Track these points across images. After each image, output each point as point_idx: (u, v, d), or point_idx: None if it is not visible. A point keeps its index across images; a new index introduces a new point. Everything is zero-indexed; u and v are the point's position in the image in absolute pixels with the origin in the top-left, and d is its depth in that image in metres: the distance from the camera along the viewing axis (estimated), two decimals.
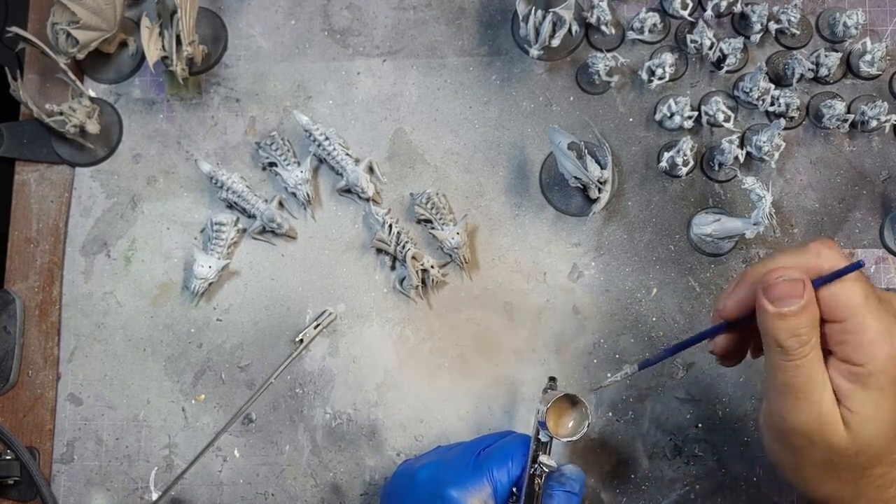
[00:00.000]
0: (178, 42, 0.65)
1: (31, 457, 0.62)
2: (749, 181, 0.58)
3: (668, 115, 0.66)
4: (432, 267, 0.64)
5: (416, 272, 0.64)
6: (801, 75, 0.66)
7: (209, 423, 0.65)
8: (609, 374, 0.54)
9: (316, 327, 0.64)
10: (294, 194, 0.66)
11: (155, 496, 0.64)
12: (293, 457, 0.64)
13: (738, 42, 0.66)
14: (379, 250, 0.66)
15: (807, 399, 0.44)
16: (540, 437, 0.54)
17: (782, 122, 0.63)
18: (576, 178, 0.62)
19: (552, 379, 0.59)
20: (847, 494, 0.45)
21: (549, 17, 0.64)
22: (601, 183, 0.63)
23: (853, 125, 0.66)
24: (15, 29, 0.62)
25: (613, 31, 0.68)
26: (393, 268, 0.66)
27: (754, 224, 0.59)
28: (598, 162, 0.64)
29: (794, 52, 0.67)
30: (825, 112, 0.65)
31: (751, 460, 0.63)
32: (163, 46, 0.65)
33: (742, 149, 0.65)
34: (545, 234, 0.66)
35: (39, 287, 0.67)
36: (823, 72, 0.66)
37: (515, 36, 0.69)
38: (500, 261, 0.66)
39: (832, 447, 0.44)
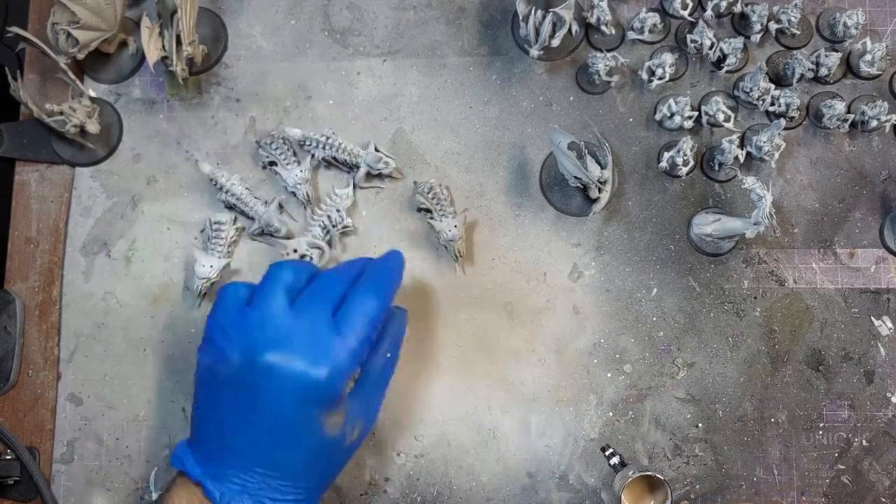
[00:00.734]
0: (178, 42, 0.65)
1: (31, 457, 0.62)
2: (749, 181, 0.58)
3: (668, 115, 0.66)
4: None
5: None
6: (801, 75, 0.66)
7: None
8: None
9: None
10: (294, 193, 0.66)
11: (155, 496, 0.64)
12: None
13: (738, 42, 0.66)
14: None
15: None
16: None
17: (782, 122, 0.63)
18: (576, 178, 0.62)
19: (605, 448, 0.60)
20: None
21: (549, 18, 0.64)
22: (601, 183, 0.63)
23: (853, 125, 0.66)
24: (15, 29, 0.62)
25: (613, 31, 0.68)
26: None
27: (754, 224, 0.59)
28: (598, 162, 0.64)
29: (794, 52, 0.67)
30: (825, 112, 0.65)
31: (751, 460, 0.63)
32: (163, 46, 0.65)
33: (742, 149, 0.65)
34: (545, 234, 0.66)
35: (39, 287, 0.67)
36: (823, 72, 0.66)
37: (515, 36, 0.69)
38: (500, 261, 0.66)
39: None
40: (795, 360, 0.64)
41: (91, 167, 0.69)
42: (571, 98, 0.68)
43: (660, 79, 0.66)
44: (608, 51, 0.67)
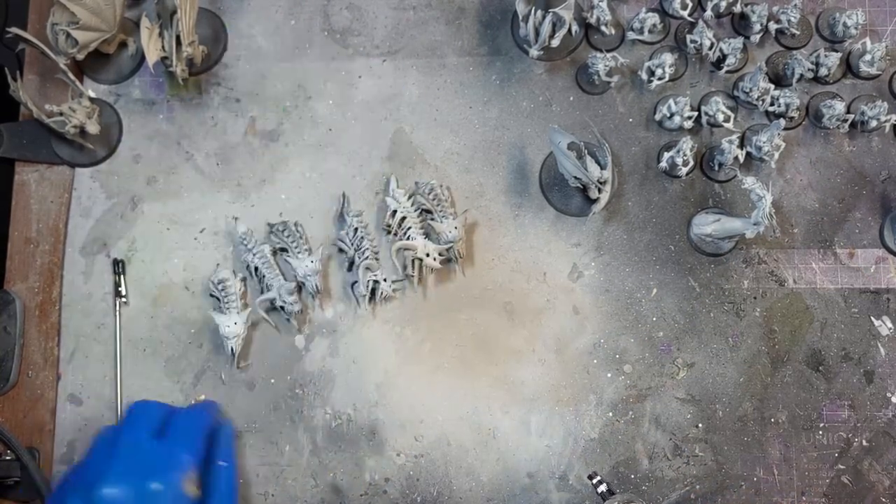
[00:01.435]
0: (178, 42, 0.65)
1: (31, 457, 0.62)
2: (749, 181, 0.59)
3: (668, 115, 0.66)
4: (384, 280, 0.64)
5: (367, 283, 0.64)
6: (801, 75, 0.66)
7: None
8: None
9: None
10: (303, 284, 0.65)
11: None
12: (293, 457, 0.64)
13: (738, 42, 0.66)
14: (340, 250, 0.66)
15: None
16: None
17: (782, 122, 0.63)
18: (576, 178, 0.62)
19: (592, 476, 0.60)
20: None
21: (548, 18, 0.64)
22: (601, 183, 0.63)
23: (853, 125, 0.66)
24: (15, 29, 0.62)
25: (613, 32, 0.69)
26: (349, 270, 0.66)
27: (754, 224, 0.59)
28: (597, 162, 0.64)
29: (794, 52, 0.67)
30: (825, 112, 0.65)
31: (751, 460, 0.63)
32: (163, 47, 0.65)
33: (742, 149, 0.65)
34: (545, 234, 0.66)
35: (39, 287, 0.67)
36: (823, 72, 0.66)
37: (515, 36, 0.69)
38: (500, 261, 0.66)
39: None
40: (795, 360, 0.64)
41: (91, 167, 0.69)
42: (571, 98, 0.68)
43: (659, 79, 0.66)
44: (608, 51, 0.67)
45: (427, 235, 0.65)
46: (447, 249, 0.64)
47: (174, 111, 0.69)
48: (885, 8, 0.69)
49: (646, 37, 0.68)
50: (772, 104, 0.66)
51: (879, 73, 0.67)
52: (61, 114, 0.64)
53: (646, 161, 0.67)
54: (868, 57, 0.66)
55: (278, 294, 0.64)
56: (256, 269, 0.65)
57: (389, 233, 0.66)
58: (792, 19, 0.66)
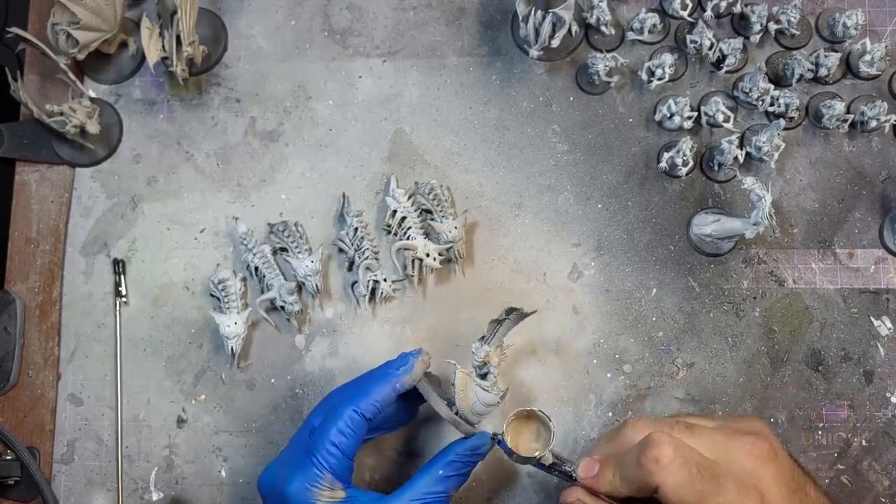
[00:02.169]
0: (179, 42, 0.65)
1: (31, 457, 0.62)
2: (749, 181, 0.59)
3: (668, 115, 0.66)
4: (384, 280, 0.64)
5: (367, 283, 0.64)
6: (801, 75, 0.66)
7: (209, 423, 0.65)
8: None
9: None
10: (303, 284, 0.65)
11: (155, 496, 0.64)
12: None
13: (738, 42, 0.66)
14: (340, 250, 0.66)
15: None
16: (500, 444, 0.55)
17: (782, 122, 0.63)
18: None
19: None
20: None
21: (548, 18, 0.64)
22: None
23: (853, 125, 0.66)
24: (15, 29, 0.63)
25: (613, 32, 0.69)
26: (349, 270, 0.66)
27: (754, 224, 0.59)
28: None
29: (794, 52, 0.67)
30: (825, 112, 0.65)
31: None
32: (163, 47, 0.65)
33: (742, 149, 0.65)
34: (545, 234, 0.66)
35: (40, 287, 0.67)
36: (823, 72, 0.66)
37: (515, 36, 0.69)
38: (500, 261, 0.66)
39: None
40: (795, 360, 0.64)
41: (91, 167, 0.69)
42: (571, 98, 0.68)
43: (659, 79, 0.66)
44: (608, 51, 0.67)
45: (427, 235, 0.65)
46: (447, 249, 0.64)
47: (174, 111, 0.70)
48: (885, 8, 0.69)
49: (646, 37, 0.68)
50: (771, 104, 0.66)
51: (879, 73, 0.67)
52: (62, 114, 0.64)
53: (646, 161, 0.67)
54: (868, 57, 0.66)
55: (278, 294, 0.64)
56: (256, 269, 0.65)
57: (389, 233, 0.66)
58: (792, 19, 0.67)
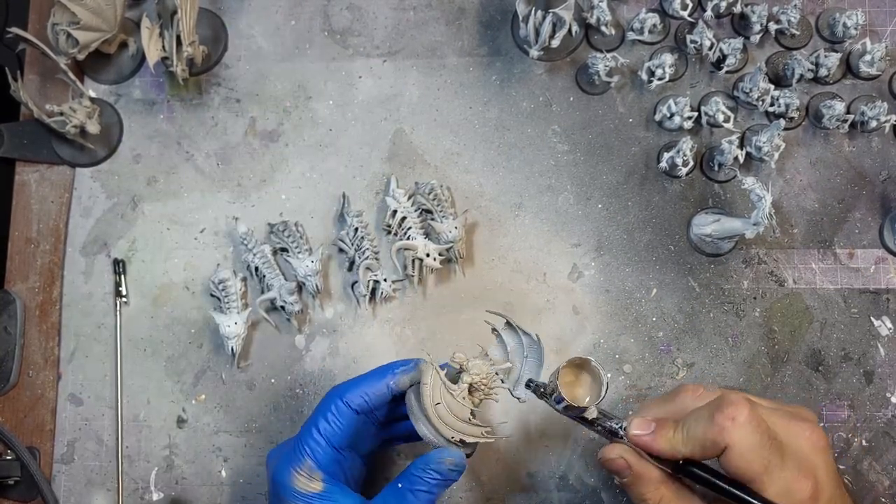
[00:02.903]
0: (179, 42, 0.65)
1: (31, 457, 0.62)
2: (749, 181, 0.59)
3: (668, 115, 0.66)
4: (384, 280, 0.64)
5: (367, 283, 0.64)
6: (801, 76, 0.66)
7: (209, 423, 0.65)
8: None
9: None
10: (303, 284, 0.65)
11: (155, 496, 0.64)
12: None
13: (738, 42, 0.66)
14: (340, 250, 0.66)
15: None
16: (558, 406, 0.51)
17: (782, 122, 0.63)
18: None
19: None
20: None
21: (548, 18, 0.64)
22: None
23: (853, 125, 0.66)
24: (15, 30, 0.63)
25: (613, 32, 0.69)
26: (350, 270, 0.66)
27: (754, 224, 0.59)
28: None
29: (794, 52, 0.67)
30: (825, 112, 0.65)
31: None
32: (163, 47, 0.66)
33: (742, 149, 0.65)
34: (545, 234, 0.66)
35: (40, 287, 0.67)
36: (823, 72, 0.66)
37: (515, 36, 0.69)
38: (500, 261, 0.66)
39: None
40: (795, 361, 0.64)
41: (91, 167, 0.69)
42: (571, 98, 0.68)
43: (659, 79, 0.66)
44: (608, 51, 0.67)
45: (427, 235, 0.65)
46: (447, 249, 0.64)
47: (174, 111, 0.70)
48: (885, 8, 0.69)
49: (646, 37, 0.68)
50: (772, 104, 0.66)
51: (879, 73, 0.67)
52: (62, 114, 0.64)
53: (646, 161, 0.67)
54: (868, 57, 0.66)
55: (278, 294, 0.64)
56: (257, 269, 0.65)
57: (389, 233, 0.66)
58: (792, 20, 0.67)
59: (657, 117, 0.67)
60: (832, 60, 0.65)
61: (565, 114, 0.68)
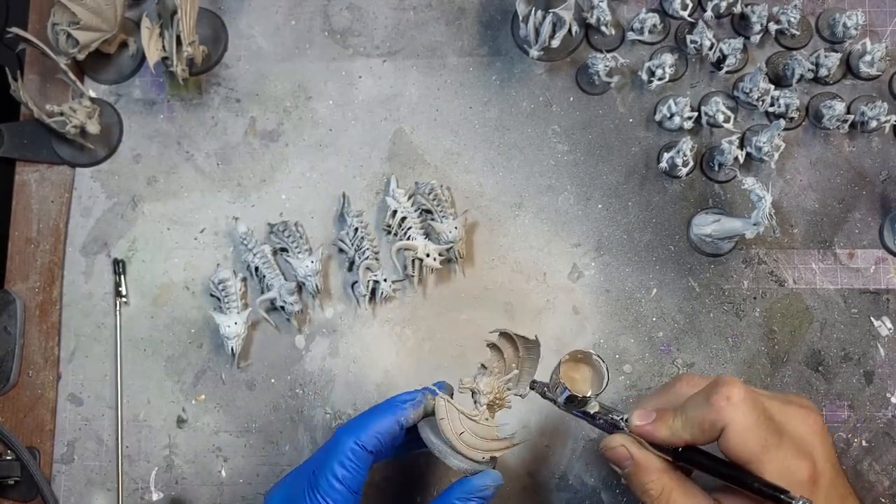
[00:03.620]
0: (179, 42, 0.65)
1: (31, 457, 0.62)
2: (749, 181, 0.59)
3: (668, 115, 0.66)
4: (384, 280, 0.64)
5: (367, 283, 0.64)
6: (801, 76, 0.66)
7: (209, 423, 0.65)
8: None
9: None
10: (303, 284, 0.65)
11: (155, 496, 0.64)
12: (293, 457, 0.64)
13: (738, 42, 0.66)
14: (340, 250, 0.66)
15: None
16: (558, 400, 0.52)
17: (782, 122, 0.63)
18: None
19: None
20: None
21: (549, 18, 0.64)
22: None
23: (853, 126, 0.66)
24: (15, 29, 0.63)
25: (613, 32, 0.69)
26: (350, 270, 0.66)
27: (754, 224, 0.59)
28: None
29: (794, 52, 0.67)
30: (825, 112, 0.65)
31: None
32: (163, 47, 0.66)
33: (742, 149, 0.65)
34: (545, 234, 0.66)
35: (40, 287, 0.67)
36: (823, 72, 0.66)
37: (515, 36, 0.69)
38: (500, 261, 0.66)
39: None
40: (795, 361, 0.64)
41: (91, 167, 0.69)
42: (571, 98, 0.68)
43: (660, 79, 0.66)
44: (608, 51, 0.67)
45: (427, 235, 0.65)
46: (447, 249, 0.64)
47: (174, 111, 0.70)
48: (885, 8, 0.69)
49: (646, 37, 0.68)
50: (772, 104, 0.66)
51: (879, 73, 0.67)
52: (62, 114, 0.64)
53: (646, 161, 0.67)
54: (868, 57, 0.66)
55: (278, 294, 0.64)
56: (257, 269, 0.65)
57: (389, 233, 0.66)
58: (792, 20, 0.67)
59: (657, 117, 0.67)
60: (832, 60, 0.65)
61: (565, 114, 0.68)
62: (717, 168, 0.66)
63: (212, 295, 0.66)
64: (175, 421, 0.65)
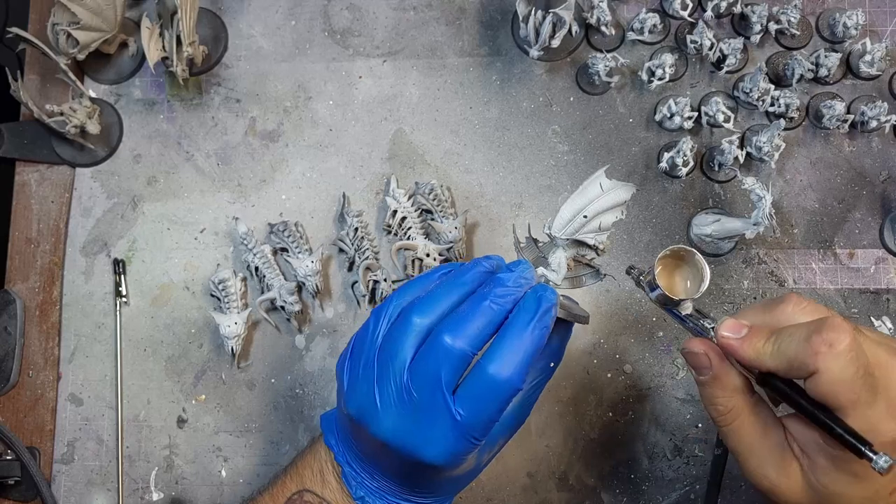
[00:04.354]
0: (179, 43, 0.65)
1: (31, 457, 0.62)
2: (749, 181, 0.59)
3: (668, 115, 0.66)
4: (384, 280, 0.64)
5: (367, 283, 0.64)
6: (801, 76, 0.66)
7: (209, 423, 0.65)
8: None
9: None
10: (303, 284, 0.65)
11: (155, 496, 0.64)
12: (293, 457, 0.64)
13: (738, 42, 0.66)
14: (340, 250, 0.66)
15: (746, 462, 0.45)
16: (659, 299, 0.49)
17: (782, 122, 0.63)
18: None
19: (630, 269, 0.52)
20: None
21: (549, 18, 0.64)
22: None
23: (853, 125, 0.66)
24: (15, 30, 0.63)
25: (613, 32, 0.69)
26: (350, 270, 0.66)
27: (754, 224, 0.59)
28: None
29: (794, 52, 0.67)
30: (825, 112, 0.65)
31: None
32: (163, 47, 0.66)
33: (742, 149, 0.65)
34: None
35: (40, 287, 0.67)
36: (823, 72, 0.66)
37: (515, 36, 0.69)
38: None
39: (790, 502, 0.44)
40: None
41: (91, 167, 0.69)
42: (571, 98, 0.68)
43: (660, 79, 0.66)
44: (608, 51, 0.67)
45: (427, 235, 0.65)
46: (447, 249, 0.64)
47: (174, 111, 0.70)
48: (885, 8, 0.69)
49: (646, 37, 0.68)
50: (772, 104, 0.66)
51: (879, 73, 0.67)
52: (62, 114, 0.64)
53: (646, 161, 0.67)
54: (868, 57, 0.66)
55: (279, 294, 0.64)
56: (257, 269, 0.65)
57: (389, 233, 0.66)
58: (792, 20, 0.67)
59: (657, 117, 0.67)
60: (832, 60, 0.65)
61: (565, 114, 0.68)
62: (717, 168, 0.66)
63: (212, 295, 0.66)
64: (175, 421, 0.65)
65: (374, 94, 0.69)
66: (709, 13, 0.67)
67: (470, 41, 0.70)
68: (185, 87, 0.69)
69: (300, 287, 0.65)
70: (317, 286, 0.64)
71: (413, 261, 0.64)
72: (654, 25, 0.67)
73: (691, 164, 0.65)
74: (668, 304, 0.49)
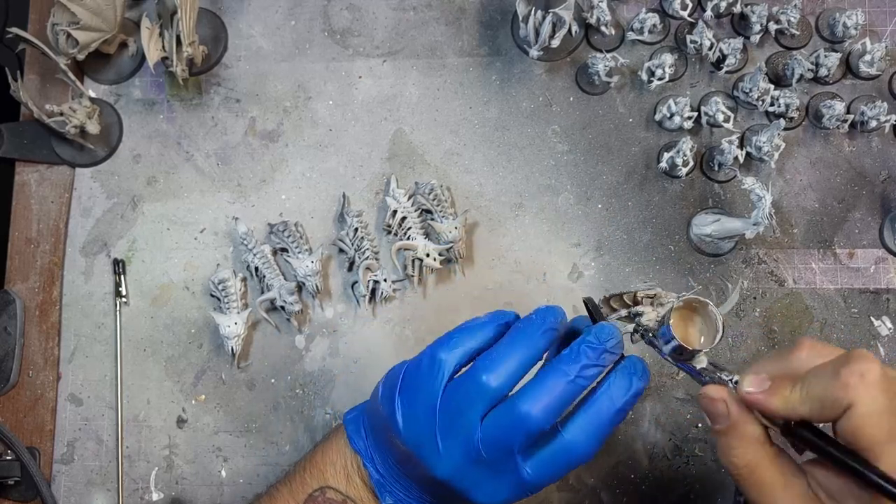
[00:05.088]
0: (179, 43, 0.65)
1: (31, 457, 0.62)
2: (749, 181, 0.59)
3: (668, 115, 0.66)
4: (384, 280, 0.64)
5: (367, 283, 0.64)
6: (801, 76, 0.66)
7: (209, 423, 0.65)
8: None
9: None
10: (303, 284, 0.65)
11: (155, 496, 0.64)
12: (293, 457, 0.64)
13: (738, 42, 0.66)
14: (340, 250, 0.66)
15: None
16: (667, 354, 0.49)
17: (782, 122, 0.63)
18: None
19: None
20: None
21: (548, 18, 0.64)
22: None
23: (853, 125, 0.66)
24: (15, 30, 0.62)
25: (613, 32, 0.69)
26: (350, 270, 0.66)
27: (754, 224, 0.59)
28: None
29: (794, 52, 0.67)
30: (825, 112, 0.65)
31: None
32: (163, 47, 0.66)
33: (742, 149, 0.65)
34: (545, 234, 0.66)
35: (40, 287, 0.67)
36: (823, 72, 0.66)
37: (515, 36, 0.69)
38: (500, 261, 0.66)
39: None
40: None
41: (91, 168, 0.69)
42: (571, 98, 0.68)
43: (659, 79, 0.66)
44: (608, 51, 0.67)
45: (427, 235, 0.65)
46: (447, 249, 0.64)
47: (174, 111, 0.70)
48: (885, 8, 0.69)
49: (646, 37, 0.68)
50: (772, 104, 0.66)
51: (879, 73, 0.67)
52: (62, 114, 0.64)
53: (646, 161, 0.67)
54: (868, 57, 0.66)
55: (278, 294, 0.64)
56: (257, 269, 0.65)
57: (389, 233, 0.66)
58: (792, 20, 0.67)
59: (657, 117, 0.67)
60: (832, 60, 0.65)
61: (565, 114, 0.68)
62: (717, 168, 0.66)
63: (212, 295, 0.66)
64: (175, 421, 0.65)
65: (373, 94, 0.69)
66: (708, 13, 0.67)
67: (470, 41, 0.70)
68: (184, 87, 0.69)
69: (300, 287, 0.65)
70: (317, 286, 0.64)
71: (413, 261, 0.64)
72: (654, 25, 0.68)
73: (691, 163, 0.65)
74: (683, 357, 0.48)
